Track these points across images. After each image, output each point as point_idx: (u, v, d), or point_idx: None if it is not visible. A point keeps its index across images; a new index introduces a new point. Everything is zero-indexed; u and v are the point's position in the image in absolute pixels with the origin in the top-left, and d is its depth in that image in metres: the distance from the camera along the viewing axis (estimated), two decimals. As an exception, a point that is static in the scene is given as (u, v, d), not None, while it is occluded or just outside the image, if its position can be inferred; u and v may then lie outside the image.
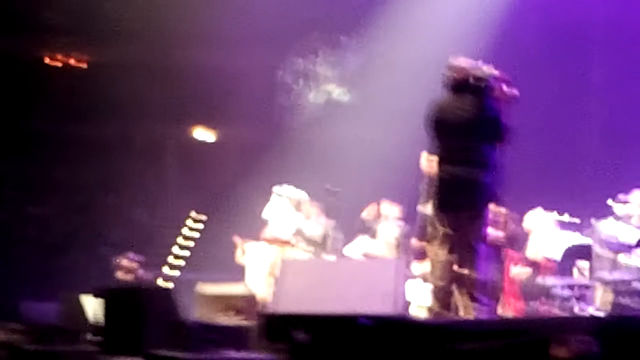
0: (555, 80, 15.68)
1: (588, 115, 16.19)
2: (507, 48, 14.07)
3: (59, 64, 22.70)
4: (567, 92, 15.76)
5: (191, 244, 21.59)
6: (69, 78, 22.27)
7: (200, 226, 22.00)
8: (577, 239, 11.55)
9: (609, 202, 11.41)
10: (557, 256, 10.80)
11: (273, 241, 12.12)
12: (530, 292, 10.86)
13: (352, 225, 13.41)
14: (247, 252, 12.21)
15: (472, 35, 14.85)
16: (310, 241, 12.62)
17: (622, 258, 10.55)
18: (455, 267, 8.00)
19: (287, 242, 12.16)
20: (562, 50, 15.66)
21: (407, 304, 10.08)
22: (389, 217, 12.90)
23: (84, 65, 22.67)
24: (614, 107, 15.44)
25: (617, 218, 11.13)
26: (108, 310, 8.14)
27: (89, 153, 21.59)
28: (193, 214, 22.36)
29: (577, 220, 12.93)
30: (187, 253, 21.25)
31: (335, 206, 12.16)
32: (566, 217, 11.67)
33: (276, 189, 12.58)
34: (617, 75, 15.34)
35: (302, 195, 12.67)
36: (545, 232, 12.05)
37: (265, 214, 12.44)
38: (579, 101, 16.03)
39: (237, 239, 12.39)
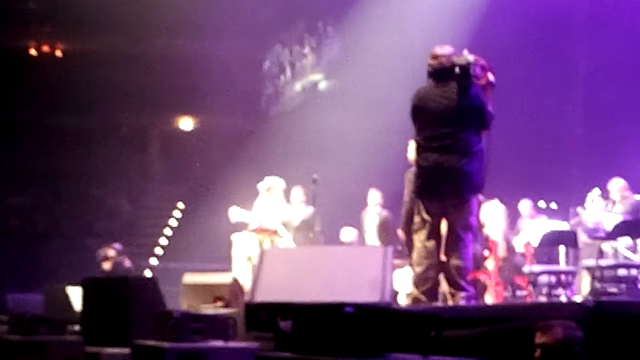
0: (538, 68, 15.70)
1: (572, 103, 16.24)
2: (490, 36, 14.08)
3: (42, 54, 22.60)
4: (551, 81, 15.79)
5: (176, 233, 21.56)
6: (51, 67, 22.16)
7: (185, 216, 21.96)
8: (558, 225, 11.62)
9: (594, 191, 11.48)
10: (535, 243, 10.83)
11: (261, 231, 12.12)
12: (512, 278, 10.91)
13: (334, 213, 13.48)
14: (234, 243, 12.20)
15: (455, 24, 14.85)
16: (295, 228, 12.65)
17: (606, 246, 10.59)
18: (441, 256, 8.01)
19: (274, 232, 12.16)
20: (546, 38, 15.68)
21: (395, 292, 10.08)
22: (371, 205, 12.95)
23: (67, 55, 22.57)
24: (598, 96, 15.47)
25: (602, 206, 11.21)
26: (93, 300, 8.12)
27: (72, 143, 21.53)
28: (179, 204, 22.33)
29: (554, 206, 13.00)
30: (172, 243, 21.22)
31: (315, 193, 12.18)
32: (552, 205, 11.69)
33: (260, 184, 12.57)
34: (600, 64, 15.38)
35: (283, 184, 12.67)
36: (527, 221, 12.13)
37: (255, 210, 12.43)
38: (563, 90, 16.06)
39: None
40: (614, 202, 11.34)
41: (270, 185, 12.48)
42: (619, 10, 14.97)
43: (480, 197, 8.88)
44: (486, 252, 10.47)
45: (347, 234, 13.14)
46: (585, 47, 16.05)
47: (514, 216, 12.65)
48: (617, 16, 15.01)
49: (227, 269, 11.94)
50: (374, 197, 13.01)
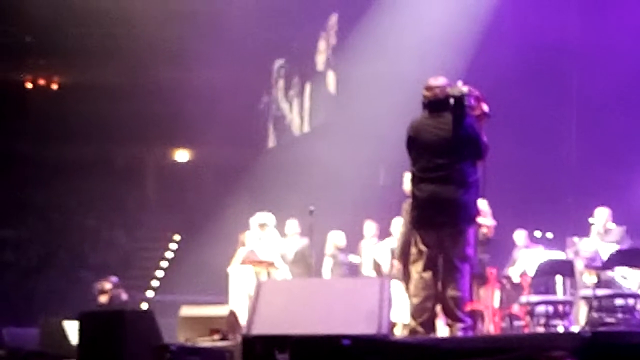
0: (531, 98, 15.75)
1: (566, 132, 16.27)
2: (482, 68, 14.13)
3: (38, 87, 22.67)
4: (545, 110, 15.84)
5: (172, 265, 21.52)
6: (47, 100, 22.23)
7: (181, 247, 21.93)
8: (554, 255, 11.62)
9: (590, 220, 11.50)
10: (532, 273, 10.82)
11: (257, 263, 12.12)
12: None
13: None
14: (231, 275, 12.20)
15: (450, 56, 14.92)
16: (291, 260, 12.65)
17: (604, 275, 10.58)
18: (438, 287, 8.00)
19: (271, 264, 12.16)
20: (538, 69, 15.72)
21: (392, 324, 10.06)
22: (368, 236, 12.96)
23: (63, 88, 22.64)
24: (592, 125, 15.53)
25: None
26: (89, 334, 8.10)
27: (68, 175, 21.52)
28: (175, 236, 22.31)
29: (550, 236, 13.00)
30: (168, 275, 21.17)
31: (311, 225, 12.20)
32: (549, 234, 11.68)
33: (252, 219, 12.59)
34: (593, 93, 15.44)
35: (274, 219, 12.69)
36: (522, 251, 12.13)
37: (249, 243, 12.43)
38: (557, 119, 16.10)
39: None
40: (603, 232, 11.38)
41: (263, 222, 12.49)
42: (611, 40, 15.04)
43: None
44: None
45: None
46: (578, 78, 16.09)
47: (511, 245, 12.66)
48: (609, 45, 15.08)
49: (224, 301, 11.92)
50: (370, 228, 13.02)
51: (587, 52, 15.62)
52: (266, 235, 12.41)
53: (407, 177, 8.88)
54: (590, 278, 10.78)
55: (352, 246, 13.25)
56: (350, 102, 17.99)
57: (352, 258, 13.15)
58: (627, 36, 14.78)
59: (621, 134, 14.72)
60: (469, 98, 8.10)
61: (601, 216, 11.51)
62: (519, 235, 12.67)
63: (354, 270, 13.08)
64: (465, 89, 8.14)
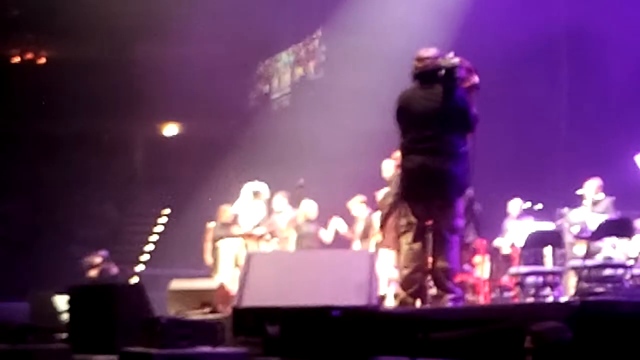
0: (523, 70, 15.74)
1: (556, 103, 16.29)
2: (473, 39, 14.10)
3: (25, 61, 22.53)
4: (535, 82, 15.84)
5: (162, 239, 21.52)
6: (33, 75, 22.08)
7: (171, 221, 21.92)
8: (543, 226, 11.65)
9: (579, 191, 11.53)
10: (521, 244, 10.85)
11: (247, 236, 12.11)
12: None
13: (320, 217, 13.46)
14: (221, 248, 12.20)
15: (441, 27, 14.89)
16: (282, 234, 12.65)
17: (593, 246, 10.62)
18: (428, 258, 8.01)
19: (261, 237, 12.15)
20: (529, 40, 15.69)
21: (382, 295, 10.09)
22: (357, 207, 12.96)
23: (50, 62, 22.51)
24: (582, 96, 15.54)
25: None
26: (80, 308, 8.10)
27: (56, 150, 21.44)
28: (164, 210, 22.29)
29: (539, 206, 13.05)
30: (158, 249, 21.17)
31: (299, 197, 12.20)
32: (538, 206, 11.69)
33: (247, 185, 12.55)
34: (584, 65, 15.45)
35: (267, 189, 12.66)
36: (512, 221, 12.16)
37: (235, 209, 12.41)
38: (547, 91, 16.11)
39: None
40: (592, 203, 11.42)
41: (258, 190, 12.46)
42: (605, 14, 15.02)
43: None
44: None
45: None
46: (569, 51, 16.10)
47: (501, 217, 12.69)
48: (602, 19, 15.06)
49: (215, 274, 11.93)
50: (358, 202, 13.00)
51: (578, 26, 15.59)
52: (257, 205, 12.38)
53: (386, 164, 8.89)
54: (580, 248, 10.82)
55: (346, 219, 13.24)
56: (340, 73, 17.93)
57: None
58: (620, 7, 14.77)
59: (611, 105, 14.74)
60: (459, 70, 8.07)
61: (591, 187, 11.54)
62: (514, 204, 12.68)
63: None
64: (456, 60, 8.11)
